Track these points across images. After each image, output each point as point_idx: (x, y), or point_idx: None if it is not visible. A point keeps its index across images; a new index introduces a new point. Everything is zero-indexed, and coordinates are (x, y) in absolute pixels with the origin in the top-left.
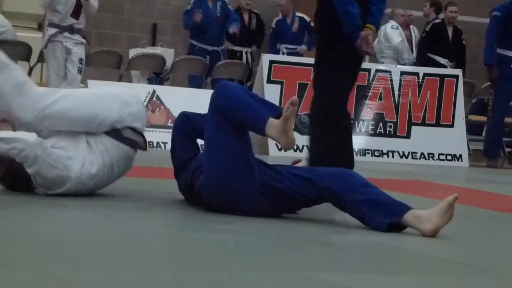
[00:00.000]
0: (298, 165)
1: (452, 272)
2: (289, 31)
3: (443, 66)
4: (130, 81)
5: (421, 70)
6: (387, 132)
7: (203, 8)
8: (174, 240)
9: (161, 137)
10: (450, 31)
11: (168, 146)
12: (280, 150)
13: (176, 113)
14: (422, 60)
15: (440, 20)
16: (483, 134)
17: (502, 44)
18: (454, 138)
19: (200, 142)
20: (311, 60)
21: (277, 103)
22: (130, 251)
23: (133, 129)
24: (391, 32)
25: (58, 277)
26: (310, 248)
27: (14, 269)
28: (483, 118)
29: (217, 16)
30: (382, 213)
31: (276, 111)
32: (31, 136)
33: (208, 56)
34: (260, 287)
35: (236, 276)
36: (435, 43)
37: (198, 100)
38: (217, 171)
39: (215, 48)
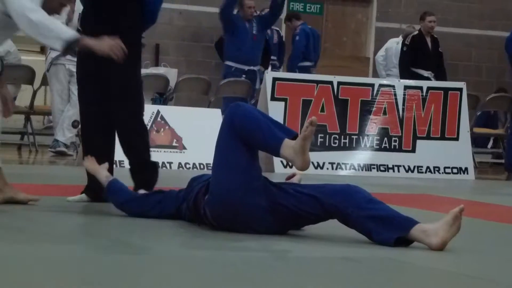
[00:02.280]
0: (293, 179)
1: (462, 286)
2: None
3: (427, 78)
4: None
5: (425, 84)
6: (392, 147)
7: (239, 26)
8: (184, 259)
9: (166, 157)
10: (429, 41)
11: (173, 166)
12: (285, 166)
13: (180, 133)
14: (405, 75)
15: (417, 32)
16: (489, 146)
17: None
18: (460, 151)
19: None
20: (314, 77)
21: (281, 121)
22: (142, 272)
23: None
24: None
25: None
26: (318, 265)
27: None
28: (488, 131)
29: (253, 34)
30: (388, 228)
31: (290, 134)
32: None
33: (244, 76)
34: None
35: None
36: (416, 56)
37: (202, 119)
38: (225, 190)
39: (252, 67)
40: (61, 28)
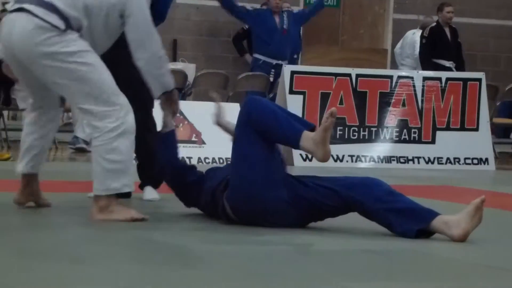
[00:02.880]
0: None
1: (485, 277)
2: None
3: (449, 69)
4: None
5: (444, 74)
6: (412, 138)
7: (268, 20)
8: (206, 253)
9: (186, 152)
10: (447, 32)
11: (193, 161)
12: (305, 160)
13: (199, 128)
14: (426, 66)
15: (435, 23)
16: (511, 136)
17: None
18: (480, 142)
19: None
20: (333, 69)
21: (300, 114)
22: (164, 268)
23: None
24: (419, 43)
25: None
26: (339, 257)
27: None
28: (509, 121)
29: (283, 28)
30: (409, 220)
31: (308, 126)
32: None
33: (273, 70)
34: None
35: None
36: (436, 47)
37: None
38: (247, 184)
39: (280, 62)
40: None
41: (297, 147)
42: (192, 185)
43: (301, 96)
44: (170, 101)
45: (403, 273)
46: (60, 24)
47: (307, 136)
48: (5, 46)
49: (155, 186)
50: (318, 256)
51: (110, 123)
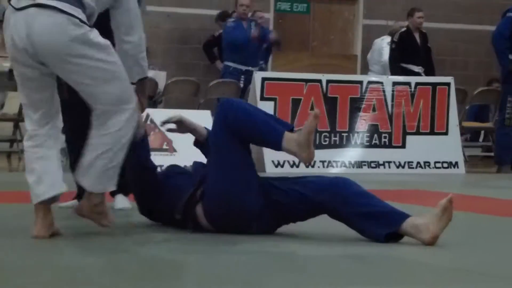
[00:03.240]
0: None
1: (455, 280)
2: None
3: (418, 74)
4: None
5: (413, 79)
6: (382, 143)
7: (239, 28)
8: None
9: (158, 160)
10: (417, 37)
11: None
12: (277, 166)
13: (170, 135)
14: (395, 71)
15: (405, 28)
16: (480, 140)
17: None
18: (449, 146)
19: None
20: (303, 75)
21: None
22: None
23: None
24: (386, 49)
25: None
26: (311, 263)
27: None
28: (478, 124)
29: (252, 35)
30: (378, 224)
31: (288, 126)
32: None
33: (243, 77)
34: None
35: None
36: (406, 52)
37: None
38: (225, 189)
39: (250, 68)
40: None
41: (279, 148)
42: (154, 186)
43: (272, 103)
44: (142, 89)
45: (375, 278)
46: (85, 19)
47: (289, 138)
48: (17, 47)
49: (126, 194)
50: (287, 262)
51: (118, 130)
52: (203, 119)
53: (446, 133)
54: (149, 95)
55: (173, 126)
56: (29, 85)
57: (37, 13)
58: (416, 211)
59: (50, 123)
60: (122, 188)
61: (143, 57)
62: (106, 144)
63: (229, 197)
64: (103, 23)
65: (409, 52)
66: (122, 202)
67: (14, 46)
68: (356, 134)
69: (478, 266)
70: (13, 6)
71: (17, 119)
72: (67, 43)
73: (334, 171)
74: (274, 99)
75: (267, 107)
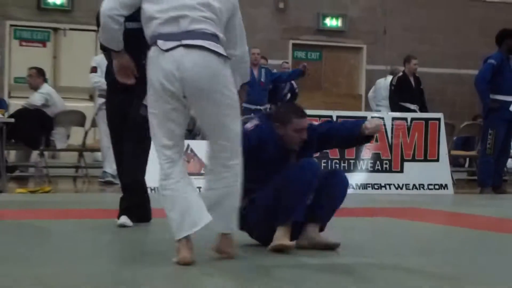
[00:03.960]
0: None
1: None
2: None
3: (413, 111)
4: None
5: (409, 115)
6: (384, 168)
7: (250, 75)
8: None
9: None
10: (412, 80)
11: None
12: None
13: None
14: (394, 108)
15: (402, 73)
16: (466, 166)
17: (497, 90)
18: (440, 171)
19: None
20: (317, 112)
21: None
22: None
23: None
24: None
25: None
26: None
27: None
28: (463, 153)
29: (261, 81)
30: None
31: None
32: None
33: (252, 114)
34: None
35: None
36: (403, 93)
37: None
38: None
39: (258, 107)
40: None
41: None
42: None
43: None
44: (242, 94)
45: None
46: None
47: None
48: (164, 85)
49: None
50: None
51: (237, 165)
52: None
53: (437, 160)
54: (188, 129)
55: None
56: (173, 118)
57: (186, 52)
58: (413, 226)
59: (181, 159)
60: (127, 210)
61: (245, 67)
62: (229, 187)
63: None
64: (133, 42)
65: (405, 93)
66: (125, 220)
67: (161, 84)
68: (361, 161)
69: (452, 271)
70: (160, 48)
71: (81, 149)
72: (213, 78)
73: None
74: None
75: None
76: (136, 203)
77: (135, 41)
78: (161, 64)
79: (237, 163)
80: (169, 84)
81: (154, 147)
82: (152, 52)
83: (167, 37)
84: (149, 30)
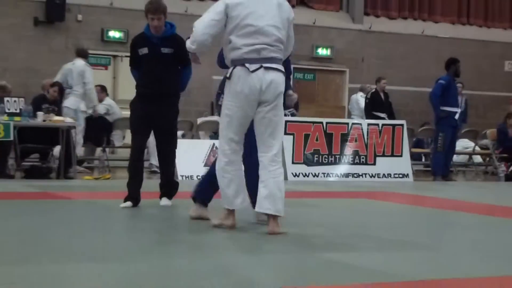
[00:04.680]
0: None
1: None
2: None
3: (383, 118)
4: (198, 137)
5: (380, 122)
6: (361, 162)
7: None
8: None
9: None
10: (382, 95)
11: None
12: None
13: None
14: (369, 116)
15: (374, 89)
16: (423, 160)
17: (445, 103)
18: (403, 163)
19: None
20: (311, 119)
21: (291, 147)
22: None
23: None
24: (361, 100)
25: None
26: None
27: None
28: (421, 150)
29: None
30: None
31: None
32: None
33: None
34: None
35: None
36: (375, 105)
37: None
38: None
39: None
40: None
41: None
42: None
43: (291, 136)
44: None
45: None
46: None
47: None
48: (248, 97)
49: (170, 198)
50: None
51: (281, 161)
52: None
53: (401, 156)
54: (214, 131)
55: None
56: (244, 121)
57: (266, 71)
58: (382, 205)
59: (241, 152)
60: (166, 194)
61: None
62: (277, 177)
63: None
64: (166, 61)
65: (377, 104)
66: (166, 201)
67: (246, 96)
68: (344, 156)
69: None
70: (248, 69)
71: (105, 146)
72: (281, 91)
73: (331, 179)
74: (292, 134)
75: (288, 139)
76: (170, 189)
77: (168, 61)
78: (248, 80)
79: (281, 160)
80: (252, 94)
81: (221, 140)
82: (239, 71)
83: (252, 61)
84: (235, 55)
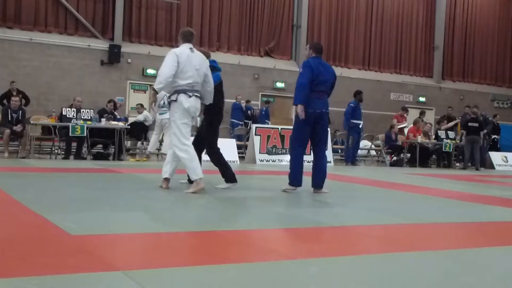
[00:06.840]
0: None
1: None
2: None
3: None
4: None
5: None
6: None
7: (238, 109)
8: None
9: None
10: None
11: None
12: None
13: None
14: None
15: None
16: (339, 152)
17: (354, 117)
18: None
19: None
20: (273, 126)
21: (259, 144)
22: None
23: None
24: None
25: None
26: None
27: None
28: (338, 146)
29: (247, 111)
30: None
31: None
32: None
33: (239, 126)
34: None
35: None
36: (355, 115)
37: None
38: None
39: (246, 121)
40: None
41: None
42: None
43: (259, 137)
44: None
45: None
46: None
47: None
48: (190, 113)
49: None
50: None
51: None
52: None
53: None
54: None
55: None
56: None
57: (195, 98)
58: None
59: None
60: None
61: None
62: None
63: None
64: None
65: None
66: (224, 184)
67: (188, 113)
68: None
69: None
70: (188, 95)
71: (160, 141)
72: (198, 108)
73: (282, 163)
74: (260, 135)
75: (257, 139)
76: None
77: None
78: (185, 103)
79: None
80: (192, 113)
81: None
82: (181, 97)
83: (189, 91)
84: (178, 86)
